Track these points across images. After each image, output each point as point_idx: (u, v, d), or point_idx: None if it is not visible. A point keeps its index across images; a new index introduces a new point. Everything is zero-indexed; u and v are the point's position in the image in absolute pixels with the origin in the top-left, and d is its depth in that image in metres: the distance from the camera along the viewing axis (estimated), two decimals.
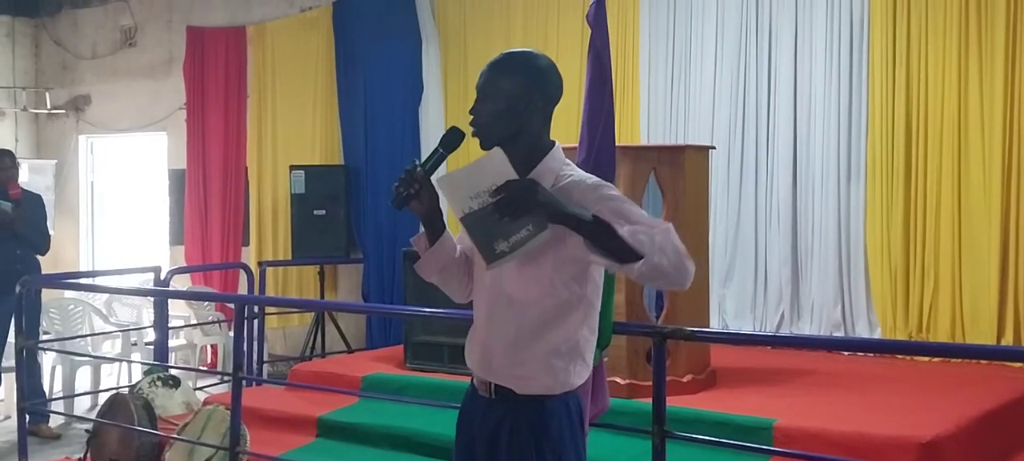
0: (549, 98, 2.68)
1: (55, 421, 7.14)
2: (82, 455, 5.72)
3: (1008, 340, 6.32)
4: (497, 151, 2.51)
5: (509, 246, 2.50)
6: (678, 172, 5.52)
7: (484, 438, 2.68)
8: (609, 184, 2.65)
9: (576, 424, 2.69)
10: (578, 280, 2.61)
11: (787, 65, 7.18)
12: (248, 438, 5.23)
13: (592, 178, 2.65)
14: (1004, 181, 6.39)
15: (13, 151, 7.46)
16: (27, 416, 6.08)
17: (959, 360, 6.27)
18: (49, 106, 11.04)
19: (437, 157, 2.66)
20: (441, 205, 2.72)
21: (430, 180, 2.64)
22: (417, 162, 2.65)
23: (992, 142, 6.43)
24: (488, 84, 2.63)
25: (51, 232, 7.54)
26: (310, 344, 8.58)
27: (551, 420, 2.62)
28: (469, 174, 2.49)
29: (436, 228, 2.73)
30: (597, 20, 3.78)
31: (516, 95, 2.61)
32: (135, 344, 8.25)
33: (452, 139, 2.67)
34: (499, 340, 2.65)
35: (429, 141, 8.55)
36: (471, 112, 2.66)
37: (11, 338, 6.70)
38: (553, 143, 2.70)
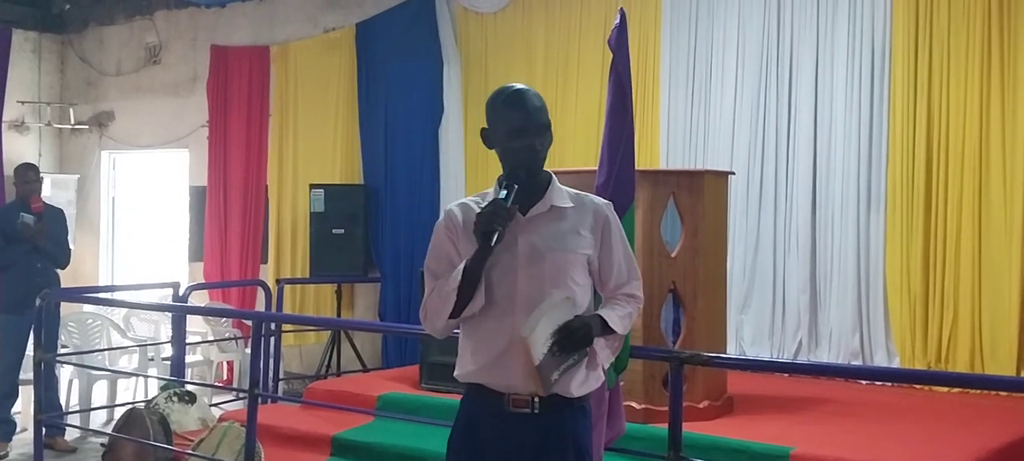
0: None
1: (71, 435, 7.16)
2: None
3: None
4: (558, 294, 2.81)
5: (559, 373, 2.80)
6: (697, 197, 5.51)
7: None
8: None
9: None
10: None
11: (807, 92, 7.17)
12: (263, 455, 5.24)
13: (601, 200, 3.01)
14: None
15: (37, 165, 7.52)
16: (43, 429, 6.11)
17: (978, 391, 6.23)
18: (73, 121, 11.14)
19: (516, 192, 2.81)
20: None
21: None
22: (500, 198, 2.79)
23: (1014, 172, 6.39)
24: (539, 118, 2.88)
25: (72, 246, 7.60)
26: (326, 362, 8.59)
27: None
28: (549, 323, 2.76)
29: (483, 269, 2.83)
30: (618, 44, 3.80)
31: (550, 127, 2.93)
32: (152, 359, 8.28)
33: (521, 175, 2.85)
34: None
35: (448, 162, 8.58)
36: (525, 144, 2.85)
37: (29, 351, 6.74)
38: None
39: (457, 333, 2.97)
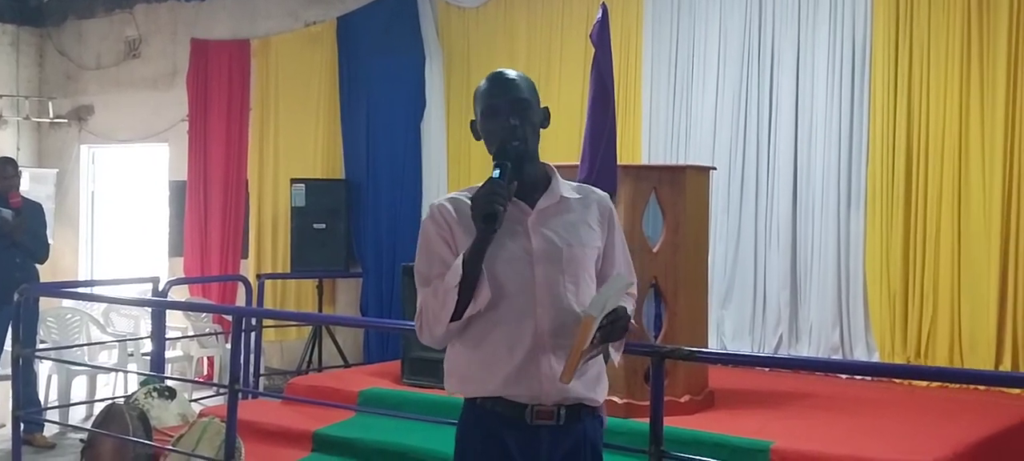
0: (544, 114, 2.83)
1: (50, 430, 7.11)
2: None
3: (1006, 366, 6.30)
4: (622, 278, 2.67)
5: (585, 362, 2.61)
6: (679, 192, 5.52)
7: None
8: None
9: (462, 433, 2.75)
10: None
11: (789, 88, 7.19)
12: (243, 451, 5.22)
13: (602, 193, 2.84)
14: (1004, 207, 6.39)
15: (15, 159, 7.47)
16: (22, 425, 6.06)
17: (957, 385, 6.26)
18: (52, 115, 11.07)
19: (509, 172, 2.61)
20: None
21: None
22: (494, 178, 2.56)
23: (992, 168, 6.43)
24: (513, 93, 2.72)
25: (50, 241, 7.54)
26: (307, 358, 8.57)
27: None
28: (614, 296, 2.58)
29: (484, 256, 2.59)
30: (600, 39, 3.80)
31: (538, 110, 2.76)
32: (132, 354, 8.23)
33: (510, 153, 2.67)
34: None
35: (431, 157, 8.57)
36: (500, 123, 2.68)
37: (8, 346, 6.69)
38: None
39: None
